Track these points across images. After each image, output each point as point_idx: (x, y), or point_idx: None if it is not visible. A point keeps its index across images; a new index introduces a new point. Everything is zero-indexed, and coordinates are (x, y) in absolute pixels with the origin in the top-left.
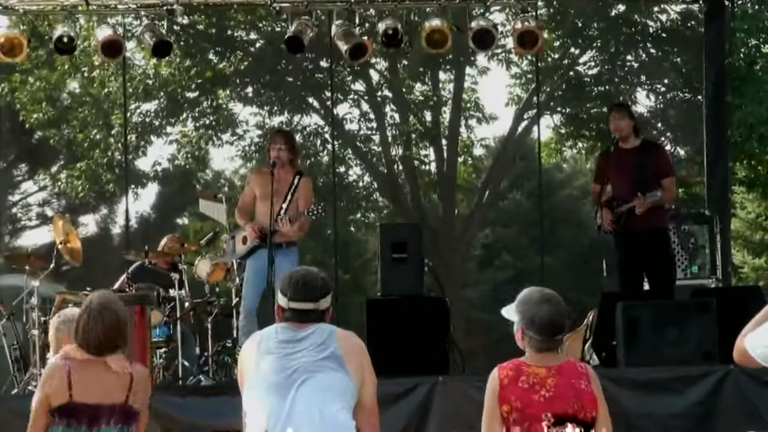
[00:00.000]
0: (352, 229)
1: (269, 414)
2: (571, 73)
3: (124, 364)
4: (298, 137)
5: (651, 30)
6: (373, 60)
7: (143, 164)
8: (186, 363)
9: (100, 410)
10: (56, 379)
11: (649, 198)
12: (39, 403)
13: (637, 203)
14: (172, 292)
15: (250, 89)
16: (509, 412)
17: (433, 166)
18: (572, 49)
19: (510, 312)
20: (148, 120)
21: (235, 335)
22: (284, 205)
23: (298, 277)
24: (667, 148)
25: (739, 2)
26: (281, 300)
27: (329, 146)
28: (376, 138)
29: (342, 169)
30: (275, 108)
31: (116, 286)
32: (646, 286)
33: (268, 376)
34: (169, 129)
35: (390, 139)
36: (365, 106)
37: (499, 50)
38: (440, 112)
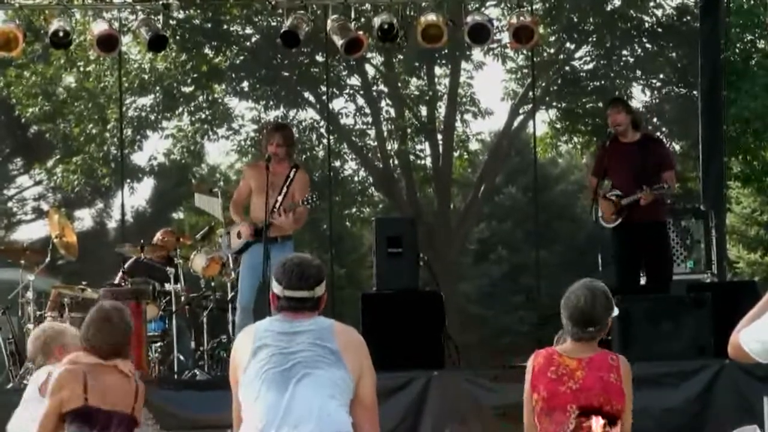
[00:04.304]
0: (348, 223)
1: (267, 410)
2: (567, 67)
3: (131, 367)
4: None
5: (646, 25)
6: (369, 55)
7: (139, 158)
8: (181, 357)
9: (111, 417)
10: (72, 383)
11: (656, 190)
12: (52, 409)
13: (643, 196)
14: (168, 287)
15: (245, 84)
16: (537, 401)
17: (428, 161)
18: (568, 44)
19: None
20: (143, 114)
21: (230, 330)
22: (279, 198)
23: (293, 264)
24: None
25: None
26: (276, 288)
27: (325, 141)
28: (372, 132)
29: (337, 163)
30: (271, 102)
31: (116, 281)
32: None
33: (265, 370)
34: (164, 123)
35: (385, 133)
36: (361, 101)
37: (494, 45)
38: (436, 106)
